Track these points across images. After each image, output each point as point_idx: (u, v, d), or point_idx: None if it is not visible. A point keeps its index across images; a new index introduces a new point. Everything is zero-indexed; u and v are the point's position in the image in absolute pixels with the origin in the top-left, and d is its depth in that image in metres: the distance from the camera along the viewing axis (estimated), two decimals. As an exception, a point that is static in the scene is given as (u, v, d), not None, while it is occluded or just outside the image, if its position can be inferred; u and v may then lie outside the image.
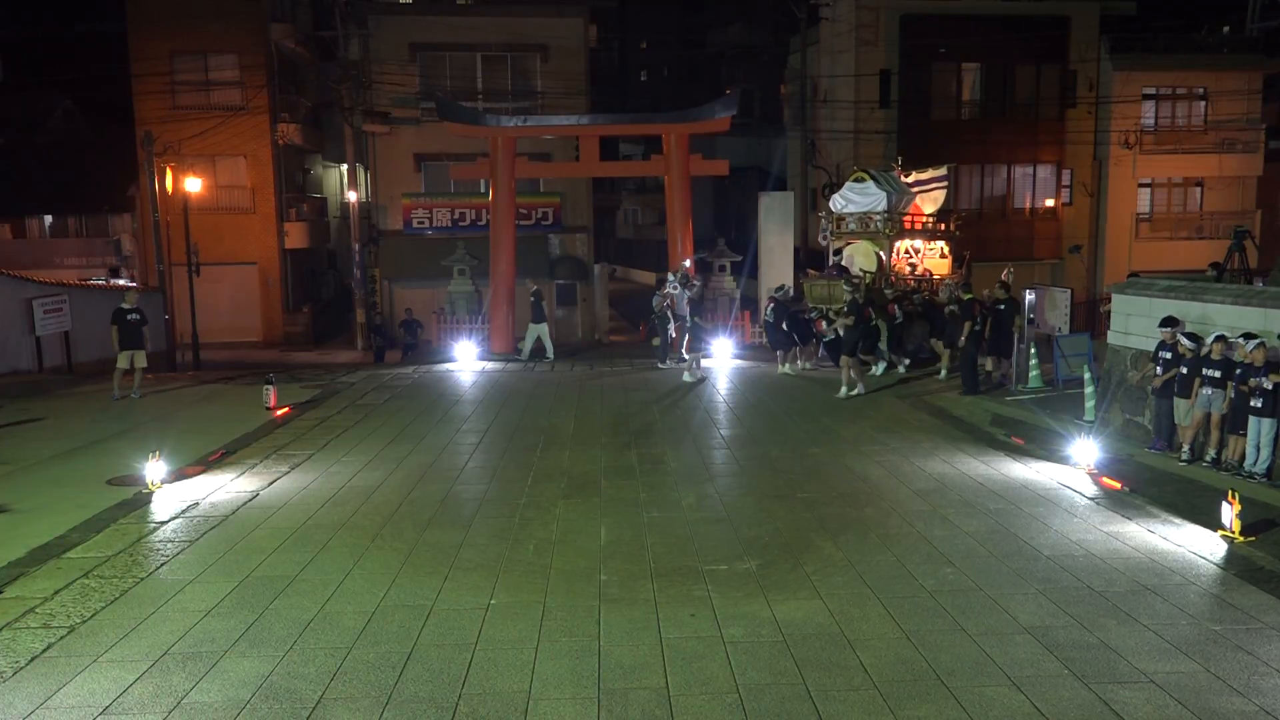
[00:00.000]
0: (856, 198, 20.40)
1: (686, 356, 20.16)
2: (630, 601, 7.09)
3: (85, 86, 37.58)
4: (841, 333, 16.41)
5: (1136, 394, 12.10)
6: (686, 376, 17.80)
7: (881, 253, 19.98)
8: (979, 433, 12.83)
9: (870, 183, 20.33)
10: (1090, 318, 26.26)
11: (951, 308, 16.73)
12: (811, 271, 21.66)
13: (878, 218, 20.02)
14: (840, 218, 20.67)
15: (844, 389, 15.73)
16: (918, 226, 20.82)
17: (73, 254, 34.79)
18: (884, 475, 10.65)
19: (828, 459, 11.47)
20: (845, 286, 17.90)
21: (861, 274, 19.42)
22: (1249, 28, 33.05)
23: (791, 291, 20.72)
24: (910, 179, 21.53)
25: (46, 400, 15.76)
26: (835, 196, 21.17)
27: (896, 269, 20.22)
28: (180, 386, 17.75)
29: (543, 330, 21.53)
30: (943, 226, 21.24)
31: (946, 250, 21.35)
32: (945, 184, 21.83)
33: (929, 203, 21.48)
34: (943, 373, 17.03)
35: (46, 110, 39.14)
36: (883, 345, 17.96)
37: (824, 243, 21.87)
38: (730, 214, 38.90)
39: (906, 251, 20.81)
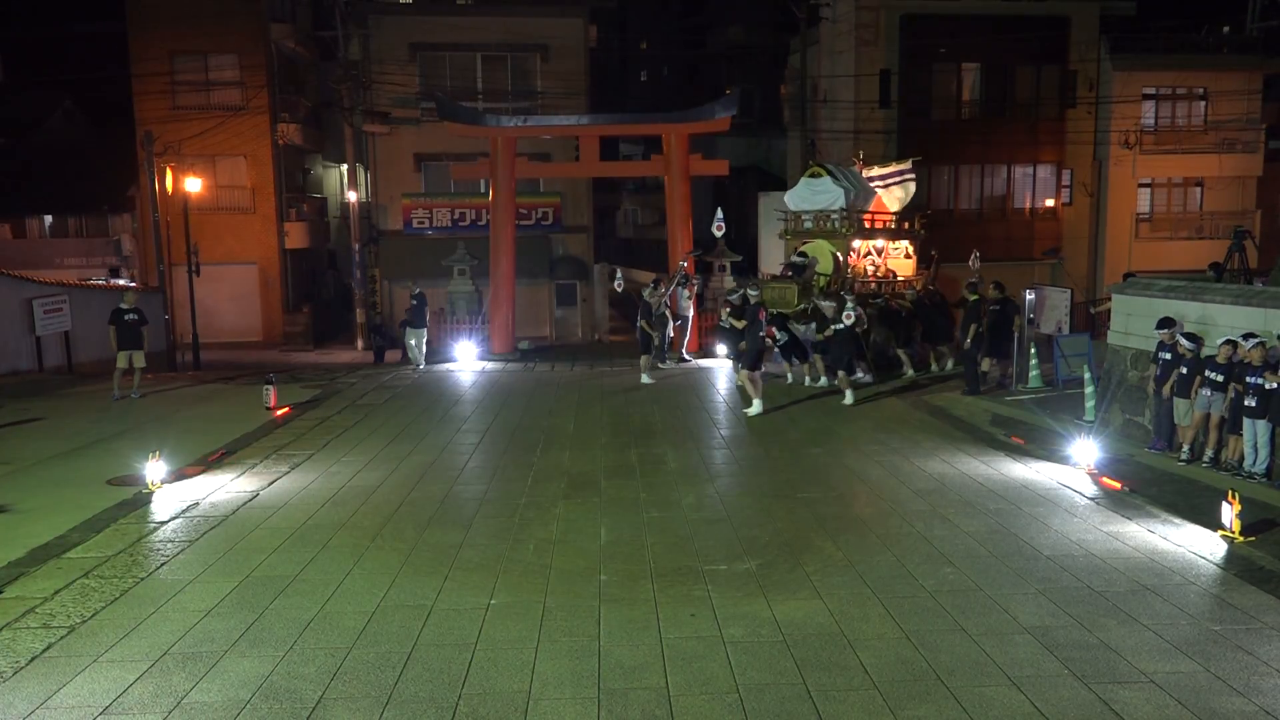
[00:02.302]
0: (811, 195, 19.15)
1: (687, 355, 20.16)
2: (630, 601, 7.08)
3: (85, 86, 37.56)
4: (781, 336, 15.42)
5: (1136, 394, 12.10)
6: (645, 379, 17.26)
7: (839, 253, 18.73)
8: (979, 433, 12.83)
9: (826, 178, 19.03)
10: (1084, 321, 26.18)
11: (843, 322, 15.32)
12: (765, 273, 20.64)
13: (835, 216, 18.75)
14: (796, 216, 19.55)
15: (755, 404, 14.14)
16: (879, 225, 19.58)
17: (73, 254, 34.78)
18: (884, 475, 10.65)
19: (828, 459, 11.47)
20: (751, 289, 16.32)
21: (815, 276, 18.49)
22: (1249, 28, 33.05)
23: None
24: (873, 173, 20.52)
25: (46, 400, 15.77)
26: (790, 193, 20.01)
27: (855, 270, 18.87)
28: (180, 386, 17.75)
29: (419, 336, 20.60)
30: (907, 225, 20.15)
31: (912, 250, 20.25)
32: (912, 178, 20.59)
33: (894, 198, 20.35)
34: (848, 396, 15.03)
35: (46, 110, 39.11)
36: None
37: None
38: (730, 214, 38.84)
39: (869, 252, 19.47)
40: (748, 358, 14.50)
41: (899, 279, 19.26)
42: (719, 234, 20.48)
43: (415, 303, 20.80)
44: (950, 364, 17.77)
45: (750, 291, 15.79)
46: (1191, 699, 5.58)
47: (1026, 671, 5.92)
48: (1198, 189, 32.47)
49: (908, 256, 20.18)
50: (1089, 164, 31.71)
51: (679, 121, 22.25)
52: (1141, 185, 32.10)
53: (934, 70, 30.47)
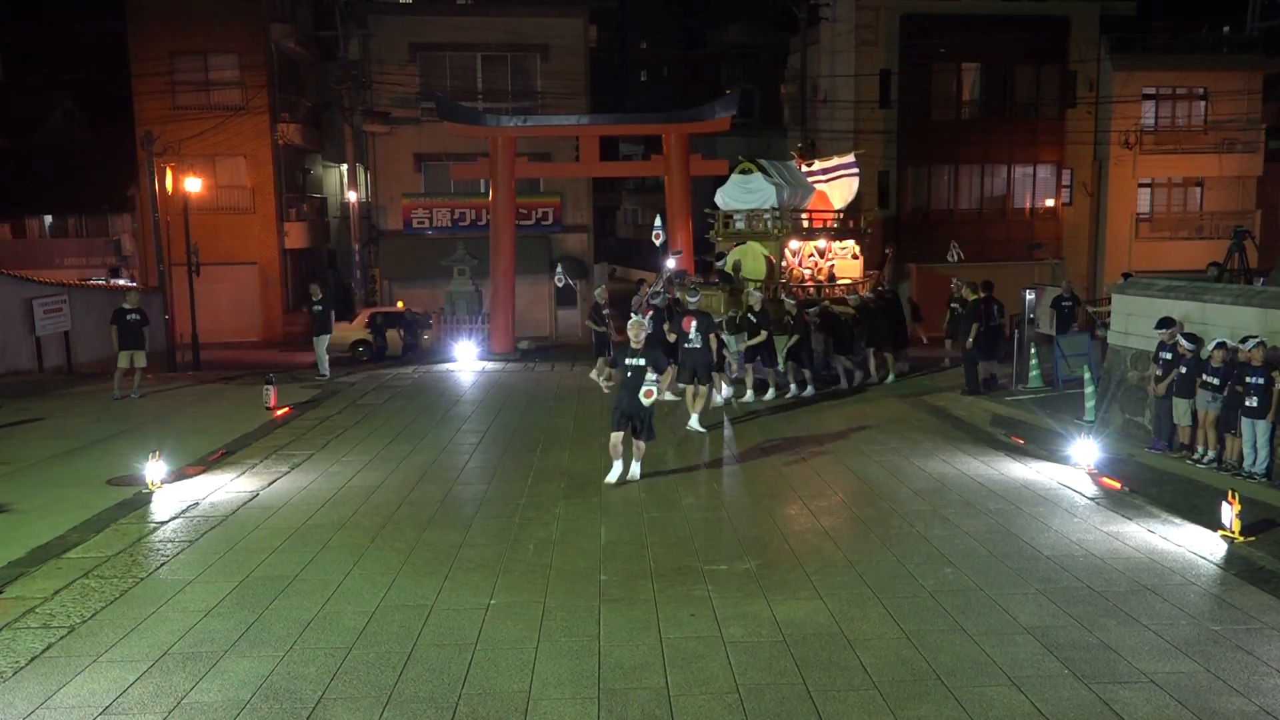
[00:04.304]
0: (742, 193, 17.50)
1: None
2: (630, 601, 7.08)
3: (85, 86, 37.59)
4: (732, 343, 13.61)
5: (1136, 394, 12.11)
6: (594, 374, 15.63)
7: (772, 255, 17.07)
8: (979, 433, 12.83)
9: (757, 175, 17.34)
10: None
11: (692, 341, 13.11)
12: (689, 278, 18.49)
13: (767, 216, 17.12)
14: (727, 216, 17.86)
15: (694, 418, 12.83)
16: (817, 224, 18.00)
17: (73, 254, 34.80)
18: (884, 475, 10.65)
19: (828, 459, 11.46)
20: (690, 294, 14.15)
21: (744, 281, 16.82)
22: (1249, 28, 33.08)
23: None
24: (813, 168, 19.09)
25: (46, 400, 15.76)
26: (720, 191, 18.23)
27: (793, 275, 17.22)
28: (180, 386, 17.74)
29: (321, 344, 18.37)
30: (852, 223, 18.72)
31: (859, 250, 18.77)
32: (855, 172, 18.99)
33: (836, 195, 18.85)
34: (693, 420, 12.86)
35: (46, 110, 39.14)
36: (780, 364, 15.50)
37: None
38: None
39: (811, 253, 17.86)
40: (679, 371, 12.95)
41: (840, 281, 17.83)
42: (658, 242, 19.00)
43: (319, 308, 18.46)
44: (892, 376, 16.66)
45: (688, 297, 13.84)
46: (1191, 699, 5.58)
47: (1026, 671, 5.92)
48: (1198, 189, 32.50)
49: (855, 257, 18.76)
50: (1089, 164, 31.73)
51: (679, 121, 22.25)
52: (1141, 185, 32.13)
53: (934, 70, 30.50)
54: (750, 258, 17.25)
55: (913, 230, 30.09)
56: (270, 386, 14.93)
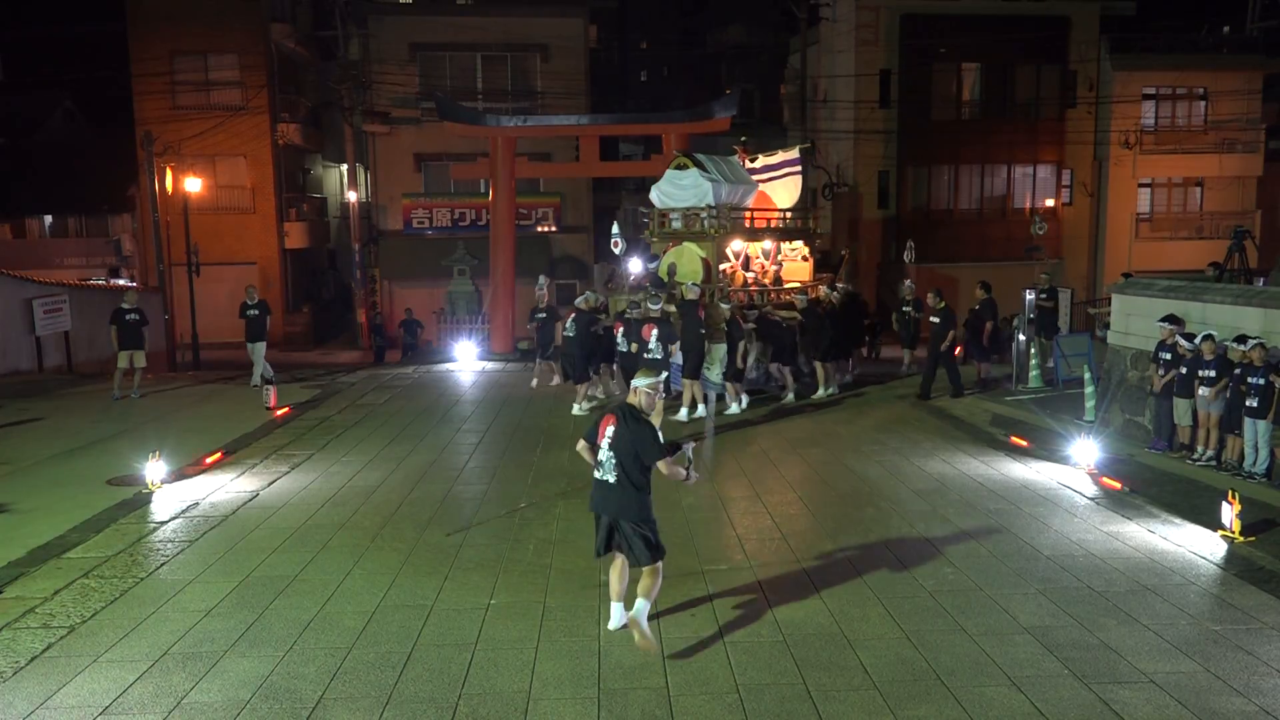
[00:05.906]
0: (676, 190, 16.09)
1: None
2: (630, 601, 7.07)
3: (85, 86, 37.59)
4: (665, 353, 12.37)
5: (1136, 394, 12.11)
6: (576, 409, 14.17)
7: (709, 257, 15.58)
8: (979, 433, 12.82)
9: (693, 171, 15.79)
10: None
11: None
12: (617, 281, 17.98)
13: (704, 214, 15.65)
14: (663, 215, 16.32)
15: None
16: (760, 224, 16.61)
17: (73, 254, 34.78)
18: (884, 475, 10.65)
19: (828, 459, 11.46)
20: (651, 301, 13.56)
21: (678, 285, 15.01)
22: (1249, 28, 33.10)
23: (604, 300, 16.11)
24: (757, 164, 17.98)
25: (46, 400, 15.76)
26: (655, 188, 16.73)
27: (734, 279, 15.85)
28: (180, 386, 17.74)
29: (257, 351, 17.09)
30: (800, 223, 17.48)
31: (808, 252, 17.53)
32: (799, 169, 17.87)
33: (782, 194, 17.77)
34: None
35: (46, 110, 39.12)
36: (714, 374, 13.87)
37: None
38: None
39: (757, 256, 16.64)
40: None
41: (785, 285, 16.55)
42: (617, 250, 17.77)
43: (254, 312, 17.03)
44: (833, 389, 15.43)
45: (649, 304, 12.95)
46: (1191, 699, 5.58)
47: (1026, 671, 5.92)
48: (1198, 189, 32.51)
49: (805, 259, 17.45)
50: (1089, 164, 31.73)
51: (678, 121, 22.28)
52: (1141, 185, 32.15)
53: (934, 70, 30.51)
54: (686, 260, 15.75)
55: (913, 230, 30.08)
56: (270, 386, 14.93)
